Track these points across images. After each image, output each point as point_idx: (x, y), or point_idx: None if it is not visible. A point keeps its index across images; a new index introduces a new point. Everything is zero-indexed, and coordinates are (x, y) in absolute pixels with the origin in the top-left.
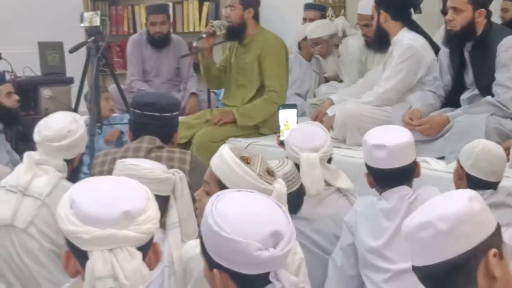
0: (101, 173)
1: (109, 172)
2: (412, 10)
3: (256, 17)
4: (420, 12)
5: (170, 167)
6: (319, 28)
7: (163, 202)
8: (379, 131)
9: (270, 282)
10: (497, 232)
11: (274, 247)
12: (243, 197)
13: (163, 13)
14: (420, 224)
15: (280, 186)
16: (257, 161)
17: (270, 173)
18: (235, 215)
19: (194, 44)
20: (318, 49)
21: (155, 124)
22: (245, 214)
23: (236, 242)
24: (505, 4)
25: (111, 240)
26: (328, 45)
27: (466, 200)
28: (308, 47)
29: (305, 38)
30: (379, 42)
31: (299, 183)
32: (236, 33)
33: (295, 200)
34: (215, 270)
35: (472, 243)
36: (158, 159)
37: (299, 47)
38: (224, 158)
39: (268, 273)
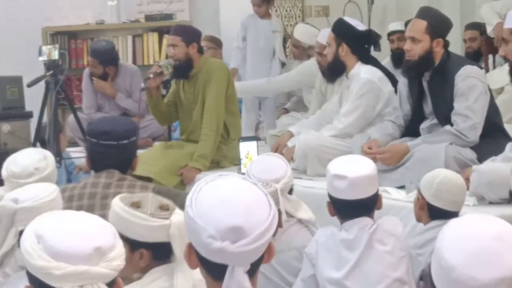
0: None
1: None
2: (372, 47)
3: (200, 50)
4: (379, 49)
5: None
6: (302, 33)
7: None
8: (343, 161)
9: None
10: None
11: (232, 242)
12: (229, 184)
13: (95, 57)
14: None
15: (178, 217)
16: (147, 202)
17: (164, 207)
18: (208, 199)
19: (142, 85)
20: (293, 50)
21: (112, 152)
22: (218, 202)
23: (195, 223)
24: (472, 33)
25: (83, 277)
26: (303, 53)
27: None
28: None
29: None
30: (333, 72)
31: (277, 207)
32: (183, 70)
33: None
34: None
35: None
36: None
37: None
38: (115, 211)
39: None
